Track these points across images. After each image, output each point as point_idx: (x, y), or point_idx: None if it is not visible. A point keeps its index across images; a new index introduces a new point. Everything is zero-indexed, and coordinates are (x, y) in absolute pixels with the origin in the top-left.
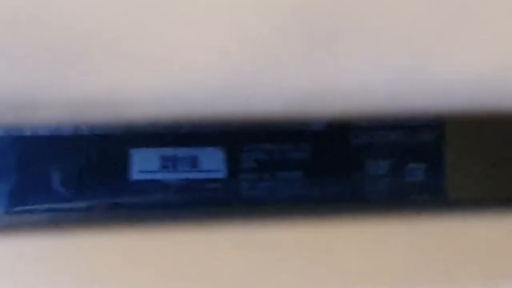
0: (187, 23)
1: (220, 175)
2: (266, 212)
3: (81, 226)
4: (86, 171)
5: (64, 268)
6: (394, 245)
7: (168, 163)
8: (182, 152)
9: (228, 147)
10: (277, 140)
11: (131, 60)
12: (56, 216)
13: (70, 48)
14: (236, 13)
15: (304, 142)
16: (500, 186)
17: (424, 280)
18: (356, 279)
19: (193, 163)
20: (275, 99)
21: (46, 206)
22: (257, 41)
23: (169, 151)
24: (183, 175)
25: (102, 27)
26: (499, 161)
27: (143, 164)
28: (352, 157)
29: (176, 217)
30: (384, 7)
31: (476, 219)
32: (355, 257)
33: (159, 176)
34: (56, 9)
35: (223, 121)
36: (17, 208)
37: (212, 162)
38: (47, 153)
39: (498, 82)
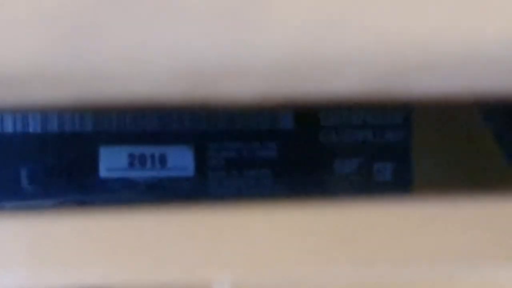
0: None
1: (188, 173)
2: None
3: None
4: (54, 168)
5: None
6: (361, 238)
7: (136, 161)
8: (150, 150)
9: (196, 145)
10: (245, 138)
11: None
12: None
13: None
14: None
15: (272, 141)
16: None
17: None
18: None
19: (161, 161)
20: None
21: (14, 203)
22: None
23: (137, 149)
24: (151, 173)
25: None
26: (466, 154)
27: (111, 162)
28: (321, 156)
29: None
30: None
31: (442, 212)
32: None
33: (127, 174)
34: None
35: (192, 118)
36: None
37: (180, 160)
38: (14, 151)
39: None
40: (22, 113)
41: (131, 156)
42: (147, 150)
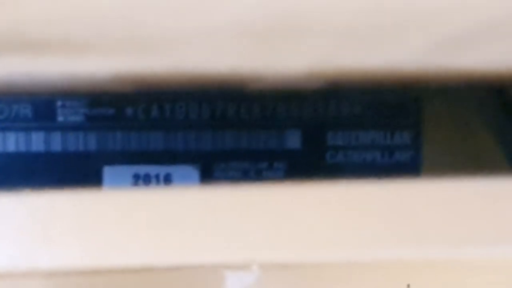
0: None
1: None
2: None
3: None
4: (58, 188)
5: None
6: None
7: (140, 181)
8: (155, 169)
9: (201, 164)
10: (251, 158)
11: None
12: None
13: None
14: None
15: (279, 160)
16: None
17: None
18: None
19: (166, 181)
20: None
21: None
22: None
23: (141, 169)
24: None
25: None
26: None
27: (116, 181)
28: (328, 176)
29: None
30: None
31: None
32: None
33: None
34: None
35: (197, 137)
36: None
37: (186, 180)
38: (17, 170)
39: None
40: (25, 131)
41: (135, 175)
42: (152, 169)
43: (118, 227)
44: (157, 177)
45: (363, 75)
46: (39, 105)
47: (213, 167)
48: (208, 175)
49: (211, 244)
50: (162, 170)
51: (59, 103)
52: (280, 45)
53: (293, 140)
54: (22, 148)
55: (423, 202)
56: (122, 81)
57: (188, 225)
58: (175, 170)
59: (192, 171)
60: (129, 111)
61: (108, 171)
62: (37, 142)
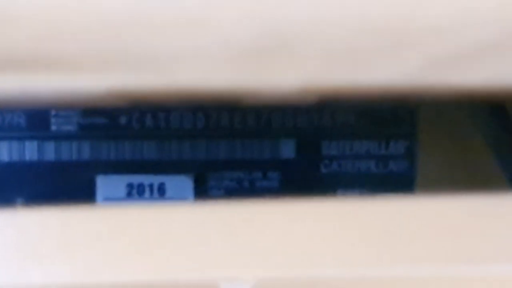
0: None
1: (188, 203)
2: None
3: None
4: (51, 197)
5: None
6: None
7: (134, 190)
8: (148, 179)
9: (195, 174)
10: (246, 167)
11: None
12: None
13: None
14: None
15: (273, 170)
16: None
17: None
18: None
19: (160, 190)
20: None
21: None
22: None
23: (135, 178)
24: (149, 203)
25: None
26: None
27: (109, 191)
28: (323, 186)
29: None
30: None
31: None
32: None
33: (124, 203)
34: None
35: (191, 147)
36: None
37: (180, 190)
38: (10, 179)
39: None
40: (19, 140)
41: (129, 185)
42: (146, 179)
43: (110, 243)
44: (150, 186)
45: (356, 92)
46: (33, 114)
47: (207, 177)
48: (202, 185)
49: (206, 260)
50: (156, 179)
51: (52, 112)
52: (273, 62)
53: (288, 150)
54: (15, 157)
55: (418, 219)
56: (115, 97)
57: (182, 241)
58: (169, 180)
59: (186, 181)
60: (123, 120)
61: (101, 181)
62: (30, 151)
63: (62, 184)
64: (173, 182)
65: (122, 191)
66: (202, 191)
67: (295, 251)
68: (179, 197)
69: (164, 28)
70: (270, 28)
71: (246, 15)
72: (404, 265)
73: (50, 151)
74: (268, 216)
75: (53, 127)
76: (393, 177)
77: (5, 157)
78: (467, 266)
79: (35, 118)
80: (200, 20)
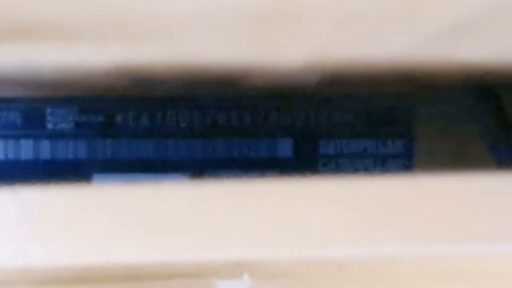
0: None
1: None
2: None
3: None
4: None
5: None
6: None
7: None
8: (145, 177)
9: (192, 173)
10: (243, 166)
11: None
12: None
13: None
14: None
15: (271, 169)
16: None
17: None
18: None
19: None
20: None
21: None
22: None
23: (131, 177)
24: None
25: None
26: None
27: None
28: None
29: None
30: None
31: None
32: None
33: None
34: None
35: (188, 146)
36: None
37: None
38: (6, 178)
39: None
40: (15, 139)
41: None
42: (142, 178)
43: (109, 223)
44: None
45: (362, 68)
46: (28, 112)
47: (204, 176)
48: None
49: (203, 240)
50: (152, 178)
51: (48, 110)
52: (276, 35)
53: (285, 149)
54: (11, 155)
55: (417, 198)
56: (114, 70)
57: (180, 221)
58: (165, 178)
59: (183, 180)
60: (119, 118)
61: (97, 179)
62: (26, 149)
63: (58, 182)
64: (169, 180)
65: None
66: None
67: (291, 231)
68: None
69: None
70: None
71: None
72: (399, 244)
73: (46, 150)
74: (263, 195)
75: (49, 126)
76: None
77: (0, 156)
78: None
79: (31, 116)
80: None
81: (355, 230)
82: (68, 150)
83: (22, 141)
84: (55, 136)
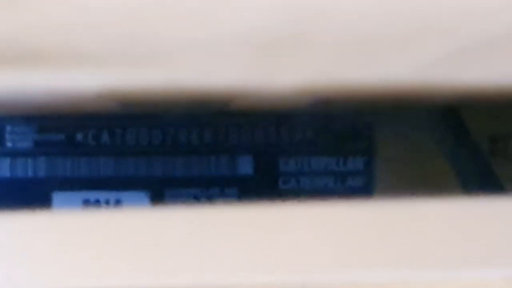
0: None
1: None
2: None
3: None
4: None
5: None
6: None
7: (90, 207)
8: (105, 195)
9: (152, 190)
10: (203, 184)
11: None
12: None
13: None
14: None
15: (231, 187)
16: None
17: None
18: None
19: (116, 206)
20: None
21: None
22: None
23: (91, 194)
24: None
25: None
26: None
27: (65, 207)
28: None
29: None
30: None
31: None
32: None
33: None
34: None
35: (147, 163)
36: None
37: (136, 206)
38: None
39: None
40: None
41: (85, 201)
42: (102, 195)
43: (67, 249)
44: (107, 203)
45: (358, 91)
46: None
47: (164, 193)
48: (159, 201)
49: (163, 265)
50: (112, 196)
51: (8, 128)
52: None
53: (245, 166)
54: None
55: (375, 223)
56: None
57: (139, 246)
58: (125, 196)
59: (143, 197)
60: (78, 136)
61: (57, 197)
62: None
63: (18, 200)
64: (129, 198)
65: (78, 207)
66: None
67: (259, 257)
68: None
69: (163, 21)
70: (282, 19)
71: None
72: (361, 269)
73: (5, 168)
74: (228, 223)
75: (8, 144)
76: (351, 193)
77: None
78: (428, 271)
79: None
80: (203, 13)
81: (317, 256)
82: (28, 168)
83: None
84: (14, 154)
